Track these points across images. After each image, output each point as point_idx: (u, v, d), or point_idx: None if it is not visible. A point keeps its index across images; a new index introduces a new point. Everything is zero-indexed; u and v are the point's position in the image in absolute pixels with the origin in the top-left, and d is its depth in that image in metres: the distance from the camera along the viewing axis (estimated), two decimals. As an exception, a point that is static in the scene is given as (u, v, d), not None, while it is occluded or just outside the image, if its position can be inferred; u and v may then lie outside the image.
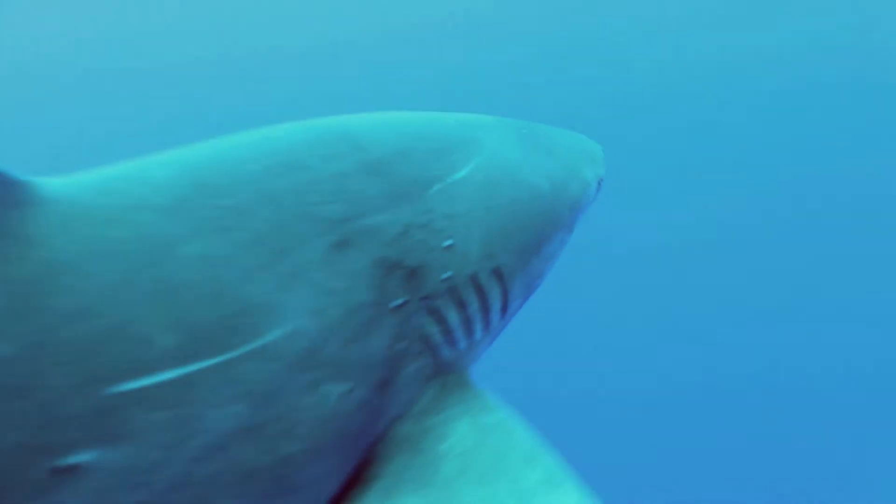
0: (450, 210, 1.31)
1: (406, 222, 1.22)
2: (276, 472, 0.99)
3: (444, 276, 1.28)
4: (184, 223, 0.97)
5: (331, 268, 1.08)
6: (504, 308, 1.47)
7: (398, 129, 1.38)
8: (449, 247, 1.29)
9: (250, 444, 0.96)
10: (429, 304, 1.25)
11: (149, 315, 0.90)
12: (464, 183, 1.36)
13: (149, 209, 0.96)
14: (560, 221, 1.66)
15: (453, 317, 1.31)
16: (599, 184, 1.86)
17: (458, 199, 1.34)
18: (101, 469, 0.84)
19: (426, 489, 1.11)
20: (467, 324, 1.35)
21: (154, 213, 0.96)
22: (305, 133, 1.25)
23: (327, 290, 1.06)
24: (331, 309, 1.06)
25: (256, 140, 1.18)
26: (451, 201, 1.32)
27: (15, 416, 0.79)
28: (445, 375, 1.29)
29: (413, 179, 1.28)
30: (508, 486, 1.09)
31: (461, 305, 1.33)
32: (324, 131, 1.26)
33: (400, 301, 1.18)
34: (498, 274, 1.41)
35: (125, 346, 0.87)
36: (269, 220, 1.05)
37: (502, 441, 1.17)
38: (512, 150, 1.54)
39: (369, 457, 1.16)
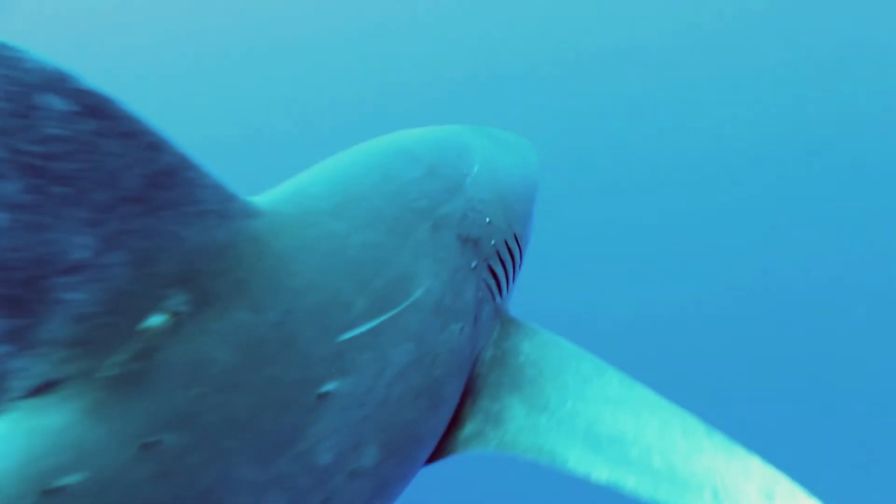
0: (481, 196, 1.77)
1: (463, 208, 1.67)
2: (433, 391, 1.41)
3: (492, 243, 1.73)
4: (346, 222, 1.38)
5: (435, 244, 1.51)
6: (520, 263, 1.95)
7: (428, 142, 1.82)
8: (489, 223, 1.74)
9: (417, 372, 1.37)
10: (488, 264, 1.70)
11: (347, 287, 1.29)
12: (480, 176, 1.82)
13: (322, 215, 1.36)
14: (534, 195, 2.20)
15: (500, 272, 1.77)
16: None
17: (482, 188, 1.80)
18: (341, 395, 1.23)
19: (520, 388, 1.56)
20: (507, 276, 1.81)
21: (326, 217, 1.36)
22: (381, 152, 1.67)
23: (437, 259, 1.49)
24: (443, 272, 1.49)
25: (357, 160, 1.59)
26: (479, 190, 1.78)
27: (290, 359, 1.17)
28: (501, 315, 1.74)
29: (454, 177, 1.73)
30: (573, 377, 1.56)
31: (503, 263, 1.79)
32: (390, 149, 1.70)
33: (474, 263, 1.62)
34: (515, 238, 1.89)
35: (339, 308, 1.27)
36: (393, 215, 1.47)
37: (557, 350, 1.64)
38: (492, 149, 2.04)
39: (471, 376, 1.59)
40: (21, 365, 0.98)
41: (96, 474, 0.97)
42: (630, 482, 1.36)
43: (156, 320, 1.06)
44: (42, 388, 1.00)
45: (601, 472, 1.39)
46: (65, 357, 1.00)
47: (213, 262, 1.14)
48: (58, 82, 0.94)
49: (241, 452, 1.09)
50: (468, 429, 1.53)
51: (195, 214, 1.12)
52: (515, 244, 1.90)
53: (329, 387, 1.22)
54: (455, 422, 1.54)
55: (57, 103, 0.93)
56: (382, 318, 1.33)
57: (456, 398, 1.53)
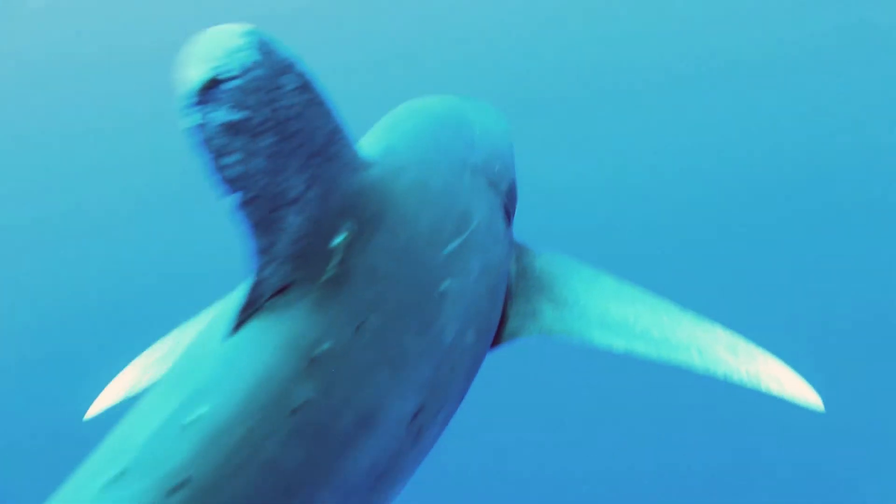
0: (488, 150, 2.21)
1: (483, 158, 2.12)
2: (495, 291, 1.88)
3: (503, 186, 2.20)
4: (426, 170, 1.78)
5: (475, 186, 1.96)
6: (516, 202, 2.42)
7: (447, 107, 2.25)
8: (498, 170, 2.19)
9: (486, 276, 1.82)
10: (503, 201, 2.15)
11: (439, 216, 1.72)
12: (482, 134, 2.26)
13: (411, 165, 1.76)
14: (513, 150, 2.66)
15: (510, 208, 2.23)
16: None
17: (486, 144, 2.24)
18: (452, 292, 1.66)
19: (543, 292, 2.03)
20: (512, 211, 2.28)
21: (414, 166, 1.77)
22: (425, 115, 2.09)
23: (479, 197, 1.94)
24: (483, 207, 1.94)
25: (411, 122, 2.02)
26: (485, 145, 2.22)
27: (419, 267, 1.61)
28: (512, 240, 2.21)
29: (469, 135, 2.16)
30: (579, 281, 2.04)
31: (510, 201, 2.25)
32: (429, 113, 2.13)
33: (497, 201, 2.08)
34: (513, 183, 2.35)
35: (439, 231, 1.69)
36: (449, 165, 1.89)
37: (560, 262, 2.12)
38: (480, 113, 2.47)
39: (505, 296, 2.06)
40: (268, 273, 1.35)
41: (335, 346, 1.37)
42: (640, 349, 1.88)
43: (339, 239, 1.45)
44: (280, 291, 1.38)
45: (618, 345, 1.90)
46: (292, 267, 1.38)
47: (360, 197, 1.54)
48: (290, 66, 1.28)
49: (406, 331, 1.53)
50: (512, 323, 1.99)
51: (348, 163, 1.51)
52: (514, 187, 2.36)
53: (444, 286, 1.66)
54: (501, 320, 2.01)
55: (290, 82, 1.28)
56: (463, 238, 1.76)
57: (503, 299, 1.99)
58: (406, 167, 1.76)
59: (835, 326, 6.73)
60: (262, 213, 1.32)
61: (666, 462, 6.23)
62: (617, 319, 1.96)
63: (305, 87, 1.33)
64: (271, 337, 1.37)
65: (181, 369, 1.42)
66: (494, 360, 2.10)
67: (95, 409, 2.48)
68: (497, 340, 1.97)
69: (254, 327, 1.39)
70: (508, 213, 2.24)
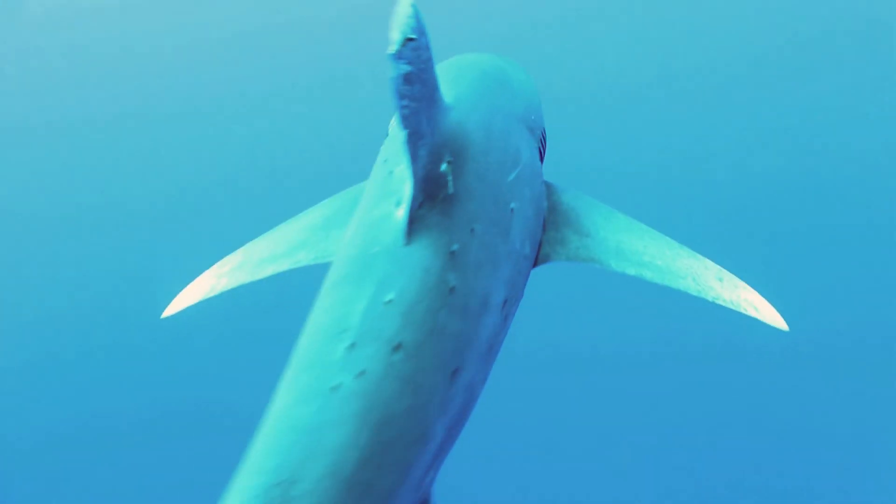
0: (524, 101, 2.65)
1: (523, 108, 2.58)
2: (539, 216, 2.33)
3: (538, 133, 2.66)
4: (489, 117, 2.25)
5: (520, 131, 2.43)
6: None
7: (489, 63, 2.66)
8: (534, 119, 2.65)
9: (534, 202, 2.28)
10: (538, 146, 2.61)
11: (502, 153, 2.19)
12: (518, 88, 2.69)
13: (476, 110, 2.23)
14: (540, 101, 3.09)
15: (543, 151, 2.70)
16: None
17: (522, 96, 2.68)
18: (517, 210, 2.14)
19: (569, 224, 2.45)
20: (544, 155, 2.75)
21: (480, 113, 2.24)
22: (477, 70, 2.51)
23: (524, 140, 2.41)
24: (527, 149, 2.40)
25: (469, 76, 2.45)
26: (522, 97, 2.66)
27: (494, 189, 2.09)
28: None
29: (510, 87, 2.60)
30: (599, 216, 2.48)
31: (543, 146, 2.72)
32: (478, 68, 2.55)
33: (534, 144, 2.54)
34: (543, 131, 2.79)
35: (501, 162, 2.17)
36: (504, 113, 2.34)
37: (583, 199, 2.54)
38: (516, 72, 2.90)
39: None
40: (416, 192, 1.88)
41: (461, 246, 1.90)
42: (647, 275, 2.35)
43: (444, 166, 1.90)
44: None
45: (630, 271, 2.36)
46: (423, 188, 1.89)
47: (452, 134, 2.00)
48: (424, 30, 1.71)
49: (497, 236, 2.04)
50: (545, 249, 2.44)
51: (443, 107, 1.99)
52: (544, 135, 2.81)
53: (512, 205, 2.14)
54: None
55: (425, 43, 1.72)
56: (518, 170, 2.23)
57: (542, 225, 2.45)
58: (474, 112, 2.21)
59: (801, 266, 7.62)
60: (415, 145, 1.80)
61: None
62: (630, 249, 2.42)
63: (428, 47, 1.77)
64: (422, 240, 1.87)
65: (360, 266, 1.89)
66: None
67: (172, 309, 2.88)
68: (535, 262, 2.43)
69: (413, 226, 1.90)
70: (541, 156, 2.69)
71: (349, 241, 2.05)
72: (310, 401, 1.66)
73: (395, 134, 2.41)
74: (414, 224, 1.88)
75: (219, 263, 2.82)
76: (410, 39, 1.66)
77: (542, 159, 2.71)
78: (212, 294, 2.78)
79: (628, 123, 10.25)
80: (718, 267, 2.41)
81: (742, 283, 2.39)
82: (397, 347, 1.71)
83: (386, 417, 1.65)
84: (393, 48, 1.67)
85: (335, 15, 12.59)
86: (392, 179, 2.08)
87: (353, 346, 1.70)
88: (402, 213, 1.90)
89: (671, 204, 8.41)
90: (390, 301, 1.77)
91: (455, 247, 1.89)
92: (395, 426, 1.66)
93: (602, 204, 2.58)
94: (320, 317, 1.86)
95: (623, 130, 10.10)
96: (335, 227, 2.51)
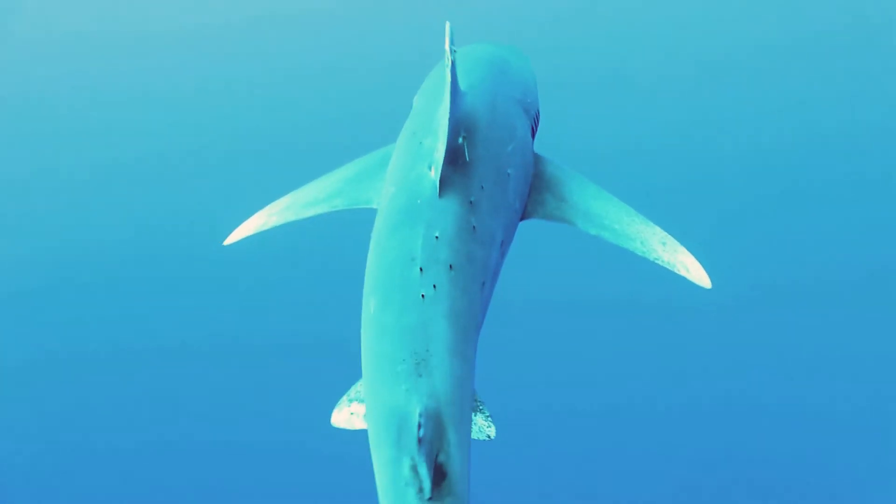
0: (521, 85, 3.36)
1: (518, 91, 3.26)
2: (526, 183, 3.03)
3: (532, 112, 3.34)
4: (494, 100, 2.99)
5: (517, 110, 3.13)
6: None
7: (488, 51, 3.38)
8: (529, 101, 3.33)
9: (521, 171, 2.98)
10: (531, 124, 3.28)
11: (503, 128, 2.94)
12: (515, 72, 3.40)
13: (486, 93, 2.98)
14: (536, 82, 3.70)
15: (535, 129, 3.37)
16: None
17: (519, 80, 3.37)
18: (512, 174, 2.88)
19: (549, 189, 3.11)
20: (535, 132, 3.42)
21: (486, 97, 2.98)
22: (482, 59, 3.22)
23: (519, 119, 3.09)
24: (521, 126, 3.10)
25: (478, 60, 3.19)
26: (518, 80, 3.37)
27: (503, 153, 2.88)
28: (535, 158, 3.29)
29: (507, 72, 3.30)
30: (575, 184, 3.13)
31: (536, 124, 3.39)
32: (497, 59, 3.26)
33: (527, 123, 3.21)
34: (537, 111, 3.43)
35: (506, 134, 2.96)
36: (505, 96, 3.06)
37: (562, 169, 3.20)
38: (517, 59, 3.57)
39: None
40: (444, 157, 2.56)
41: (477, 197, 2.63)
42: (605, 235, 2.99)
43: (460, 140, 2.65)
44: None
45: (592, 231, 3.00)
46: (447, 154, 2.56)
47: (466, 113, 2.72)
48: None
49: (498, 192, 2.74)
50: (528, 208, 3.07)
51: (460, 92, 2.70)
52: (538, 114, 3.44)
53: (509, 170, 2.84)
54: None
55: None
56: (514, 143, 2.93)
57: (528, 189, 3.09)
58: (481, 97, 2.91)
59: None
60: (452, 119, 2.53)
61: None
62: (594, 214, 3.05)
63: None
64: (451, 194, 2.59)
65: (411, 214, 2.59)
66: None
67: (232, 238, 3.56)
68: (521, 217, 3.08)
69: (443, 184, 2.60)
70: (533, 132, 3.33)
71: (395, 195, 2.72)
72: (410, 310, 2.37)
73: (420, 109, 3.08)
74: (443, 182, 2.58)
75: (270, 205, 3.48)
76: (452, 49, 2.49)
77: (534, 134, 3.35)
78: (264, 228, 3.45)
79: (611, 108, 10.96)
80: (665, 233, 3.02)
81: (682, 248, 2.98)
82: (451, 268, 2.44)
83: (457, 312, 2.40)
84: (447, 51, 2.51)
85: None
86: (422, 148, 2.76)
87: (422, 269, 2.42)
88: (433, 174, 2.61)
89: (643, 177, 9.21)
90: (438, 237, 2.49)
91: (473, 198, 2.61)
92: (463, 317, 2.42)
93: (579, 174, 3.20)
94: (389, 251, 2.55)
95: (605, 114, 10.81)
96: (364, 180, 3.22)
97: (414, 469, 2.00)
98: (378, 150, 3.33)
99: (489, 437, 2.43)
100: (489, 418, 2.45)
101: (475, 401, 2.45)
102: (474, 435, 2.38)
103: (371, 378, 2.36)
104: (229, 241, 3.57)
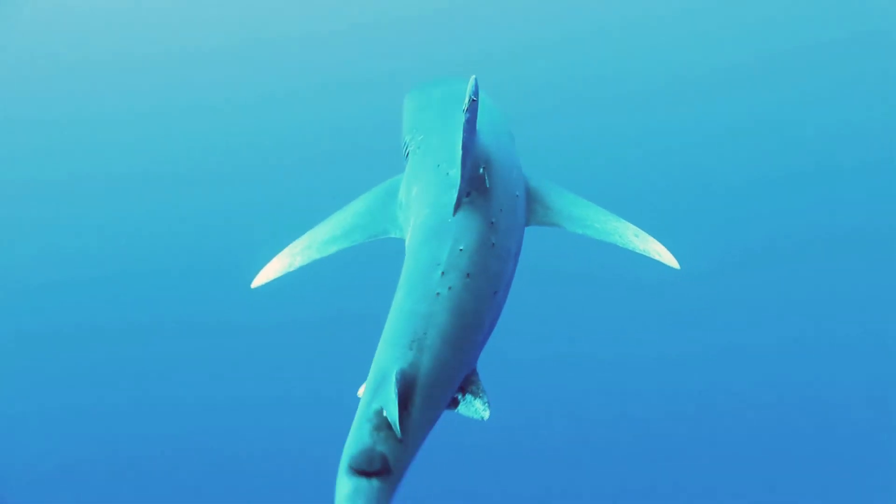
0: (501, 122, 3.90)
1: (510, 132, 3.84)
2: (524, 204, 3.53)
3: (513, 144, 3.87)
4: (499, 137, 3.57)
5: (512, 145, 3.73)
6: None
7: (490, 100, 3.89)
8: (512, 138, 3.88)
9: (522, 192, 3.51)
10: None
11: (509, 157, 3.54)
12: (502, 118, 3.95)
13: (493, 135, 3.54)
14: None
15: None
16: None
17: (506, 125, 3.92)
18: (519, 195, 3.45)
19: (538, 200, 3.63)
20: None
21: (495, 135, 3.56)
22: (493, 105, 3.87)
23: (514, 150, 3.70)
24: (516, 155, 3.67)
25: (488, 111, 3.71)
26: (506, 125, 3.92)
27: (507, 161, 3.43)
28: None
29: (502, 119, 3.87)
30: (557, 194, 3.68)
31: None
32: (492, 104, 3.87)
33: (514, 149, 3.75)
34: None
35: (513, 166, 3.55)
36: (503, 133, 3.66)
37: (545, 182, 3.74)
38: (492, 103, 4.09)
39: None
40: (463, 187, 3.12)
41: (497, 219, 3.14)
42: (589, 233, 3.56)
43: (481, 171, 3.22)
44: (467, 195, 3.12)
45: (578, 230, 3.57)
46: (469, 183, 3.13)
47: (483, 149, 3.25)
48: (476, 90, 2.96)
49: (512, 212, 3.25)
50: None
51: (476, 133, 3.16)
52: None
53: (517, 192, 3.37)
54: None
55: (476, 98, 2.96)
56: (517, 168, 3.48)
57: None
58: (493, 135, 3.45)
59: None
60: (468, 157, 3.04)
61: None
62: (577, 217, 3.63)
63: (476, 102, 2.99)
64: (476, 215, 3.09)
65: (441, 230, 3.07)
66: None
67: (259, 280, 3.76)
68: None
69: (465, 210, 3.10)
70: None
71: (428, 216, 3.18)
72: (424, 302, 2.87)
73: (436, 142, 3.58)
74: (468, 206, 3.10)
75: (291, 245, 3.72)
76: (473, 100, 2.93)
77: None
78: (291, 269, 3.69)
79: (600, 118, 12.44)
80: (636, 227, 3.64)
81: (652, 238, 3.61)
82: (468, 276, 2.93)
83: (463, 311, 2.87)
84: (465, 104, 2.95)
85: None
86: (448, 178, 3.25)
87: (444, 273, 2.92)
88: (453, 199, 3.11)
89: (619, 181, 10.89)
90: (462, 250, 2.99)
91: (493, 219, 3.12)
92: (468, 316, 2.89)
93: (558, 186, 3.79)
94: (420, 258, 3.03)
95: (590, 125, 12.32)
96: (378, 213, 3.63)
97: (380, 412, 2.52)
98: (383, 183, 3.77)
99: (483, 417, 2.86)
100: (486, 403, 2.88)
101: (477, 387, 2.90)
102: (471, 414, 2.86)
103: (378, 348, 2.85)
104: (256, 283, 3.75)
